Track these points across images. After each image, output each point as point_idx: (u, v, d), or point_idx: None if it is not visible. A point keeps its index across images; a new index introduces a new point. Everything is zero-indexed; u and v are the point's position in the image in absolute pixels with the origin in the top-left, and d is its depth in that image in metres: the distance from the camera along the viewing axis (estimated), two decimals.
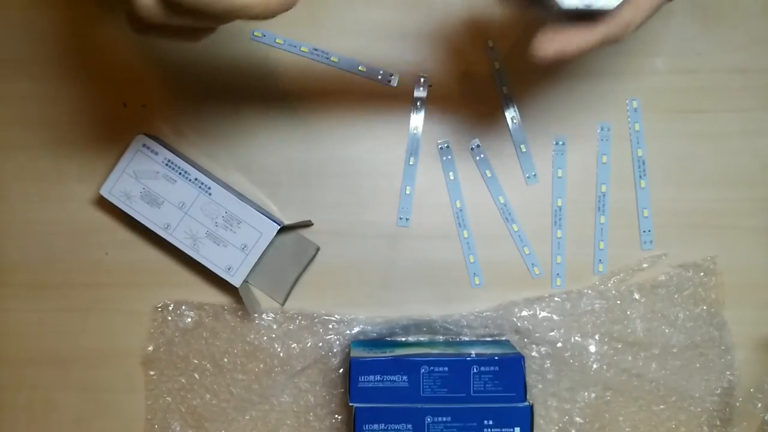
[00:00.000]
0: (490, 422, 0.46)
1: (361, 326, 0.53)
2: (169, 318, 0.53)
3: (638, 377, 0.52)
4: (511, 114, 0.53)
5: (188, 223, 0.50)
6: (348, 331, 0.53)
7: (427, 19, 0.53)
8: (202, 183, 0.50)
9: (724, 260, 0.53)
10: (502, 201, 0.53)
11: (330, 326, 0.53)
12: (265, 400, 0.53)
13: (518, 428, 0.46)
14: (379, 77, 0.53)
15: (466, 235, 0.53)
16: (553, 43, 0.33)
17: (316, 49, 0.53)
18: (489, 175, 0.53)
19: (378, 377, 0.46)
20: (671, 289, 0.53)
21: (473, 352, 0.48)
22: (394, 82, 0.53)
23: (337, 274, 0.53)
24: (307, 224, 0.53)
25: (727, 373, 0.53)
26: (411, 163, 0.53)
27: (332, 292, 0.54)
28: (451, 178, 0.53)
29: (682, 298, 0.53)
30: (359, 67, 0.53)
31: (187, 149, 0.53)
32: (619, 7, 0.33)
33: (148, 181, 0.49)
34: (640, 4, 0.34)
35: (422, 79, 0.53)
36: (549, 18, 0.34)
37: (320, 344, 0.53)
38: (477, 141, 0.53)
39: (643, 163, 0.53)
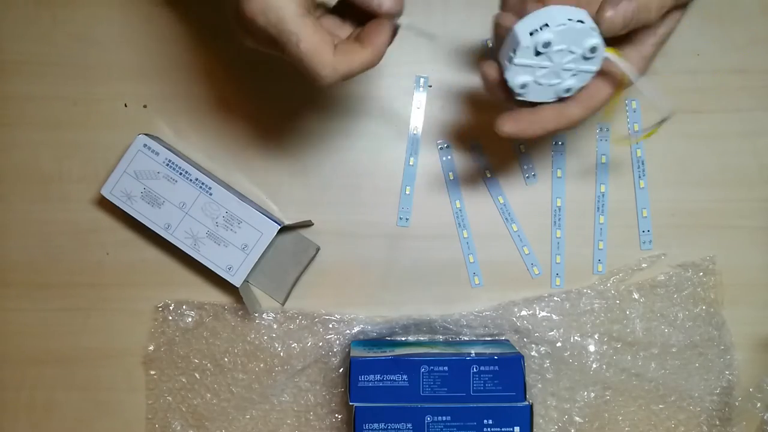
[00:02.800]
0: (490, 421, 0.46)
1: (361, 326, 0.53)
2: (170, 318, 0.53)
3: (637, 377, 0.53)
4: None
5: (189, 223, 0.50)
6: (348, 331, 0.53)
7: (427, 19, 0.53)
8: (203, 183, 0.50)
9: (723, 260, 0.53)
10: (501, 201, 0.53)
11: (330, 326, 0.53)
12: (265, 400, 0.53)
13: (518, 428, 0.46)
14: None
15: (465, 235, 0.53)
16: (515, 123, 0.39)
17: None
18: (489, 175, 0.53)
19: (378, 377, 0.47)
20: (670, 289, 0.53)
21: (473, 351, 0.48)
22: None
23: (337, 274, 0.54)
24: (307, 224, 0.53)
25: (726, 372, 0.53)
26: (411, 163, 0.53)
27: (332, 292, 0.54)
28: (451, 178, 0.53)
29: (681, 298, 0.53)
30: None
31: (187, 149, 0.53)
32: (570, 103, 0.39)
33: (149, 181, 0.50)
34: (588, 105, 0.39)
35: (422, 79, 0.53)
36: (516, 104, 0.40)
37: (320, 344, 0.53)
38: (477, 141, 0.53)
39: (642, 164, 0.53)
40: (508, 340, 0.52)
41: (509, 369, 0.46)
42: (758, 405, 0.52)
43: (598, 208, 0.53)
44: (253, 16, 0.34)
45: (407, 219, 0.53)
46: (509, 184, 0.53)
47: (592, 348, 0.53)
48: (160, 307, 0.53)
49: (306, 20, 0.34)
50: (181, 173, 0.50)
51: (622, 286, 0.53)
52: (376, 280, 0.53)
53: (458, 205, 0.53)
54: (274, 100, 0.53)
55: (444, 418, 0.46)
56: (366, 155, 0.53)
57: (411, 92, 0.53)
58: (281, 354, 0.53)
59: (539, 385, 0.53)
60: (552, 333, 0.53)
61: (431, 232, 0.53)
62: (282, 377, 0.53)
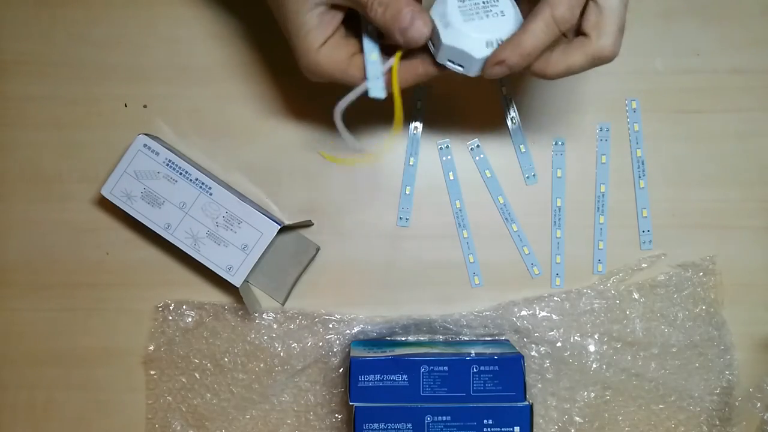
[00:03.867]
0: (490, 422, 0.46)
1: (361, 326, 0.53)
2: (170, 317, 0.53)
3: (637, 377, 0.53)
4: (510, 114, 0.53)
5: (189, 223, 0.50)
6: (348, 331, 0.53)
7: None
8: (203, 183, 0.50)
9: (723, 260, 0.53)
10: (501, 201, 0.53)
11: (330, 326, 0.53)
12: (265, 400, 0.53)
13: (518, 428, 0.46)
14: None
15: (465, 235, 0.53)
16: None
17: None
18: (489, 175, 0.53)
19: (378, 377, 0.47)
20: (670, 289, 0.53)
21: (473, 351, 0.48)
22: None
23: (337, 274, 0.54)
24: (307, 224, 0.53)
25: (726, 372, 0.53)
26: (411, 163, 0.53)
27: (332, 292, 0.54)
28: (451, 178, 0.53)
29: (681, 298, 0.53)
30: None
31: (187, 149, 0.53)
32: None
33: (149, 181, 0.50)
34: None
35: None
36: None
37: (320, 344, 0.53)
38: (477, 141, 0.53)
39: (643, 164, 0.53)
40: (508, 340, 0.52)
41: (509, 369, 0.46)
42: (758, 405, 0.52)
43: (598, 208, 0.53)
44: (314, 76, 0.42)
45: (407, 219, 0.53)
46: (509, 184, 0.53)
47: (592, 348, 0.53)
48: (160, 307, 0.53)
49: (358, 58, 0.41)
50: (181, 173, 0.50)
51: (622, 286, 0.53)
52: (376, 280, 0.53)
53: (458, 205, 0.53)
54: (273, 100, 0.53)
55: (444, 418, 0.46)
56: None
57: (411, 92, 0.53)
58: (281, 354, 0.53)
59: (539, 385, 0.53)
60: (552, 333, 0.53)
61: (431, 232, 0.53)
62: (282, 377, 0.53)
